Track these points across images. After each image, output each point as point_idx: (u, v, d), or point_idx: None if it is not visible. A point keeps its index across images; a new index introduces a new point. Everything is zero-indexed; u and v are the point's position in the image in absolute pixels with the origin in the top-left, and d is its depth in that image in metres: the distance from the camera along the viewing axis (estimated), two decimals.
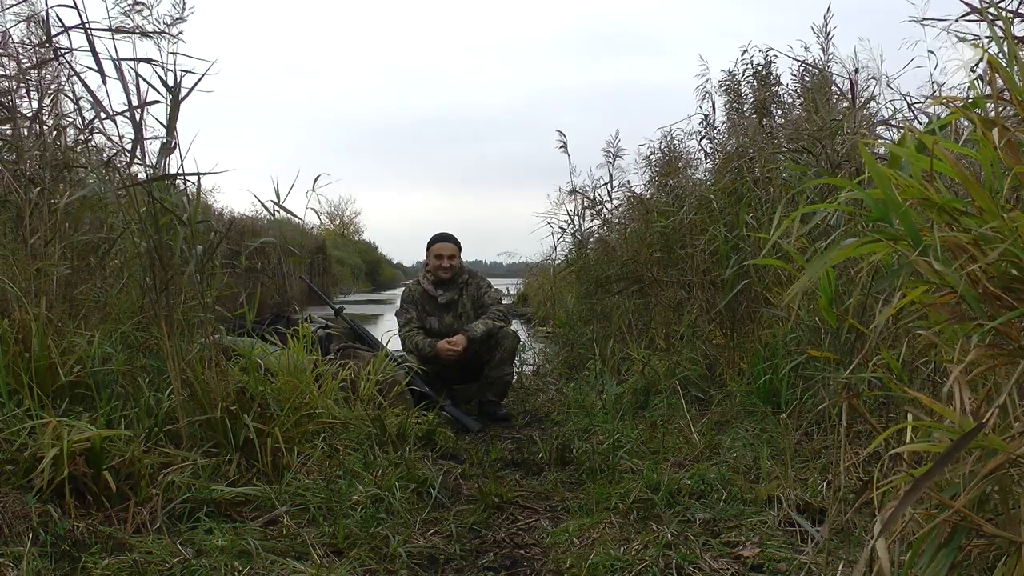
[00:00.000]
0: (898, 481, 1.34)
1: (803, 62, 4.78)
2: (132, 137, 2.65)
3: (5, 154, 3.24)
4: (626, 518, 2.36)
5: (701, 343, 4.23)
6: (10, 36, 3.37)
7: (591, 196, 6.35)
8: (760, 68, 5.61)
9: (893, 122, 3.41)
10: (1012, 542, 1.16)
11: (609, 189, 6.21)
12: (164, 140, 2.69)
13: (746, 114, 5.42)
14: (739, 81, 5.63)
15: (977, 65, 1.87)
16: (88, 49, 2.52)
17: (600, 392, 4.28)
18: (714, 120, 5.50)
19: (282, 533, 2.20)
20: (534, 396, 4.90)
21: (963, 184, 1.31)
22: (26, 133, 3.32)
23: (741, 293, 3.82)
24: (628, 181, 6.21)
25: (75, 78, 3.04)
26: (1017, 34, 1.90)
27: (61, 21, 2.61)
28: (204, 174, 2.79)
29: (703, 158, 5.55)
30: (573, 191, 6.49)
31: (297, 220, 3.89)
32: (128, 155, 2.71)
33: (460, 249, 4.57)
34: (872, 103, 4.00)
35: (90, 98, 2.79)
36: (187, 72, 2.64)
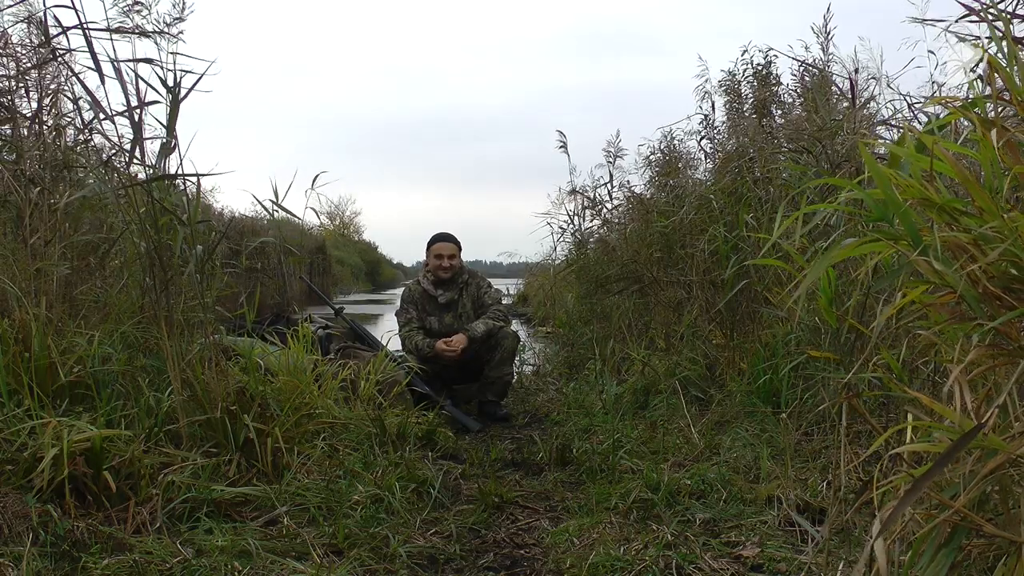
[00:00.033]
0: (898, 481, 1.34)
1: (803, 62, 4.78)
2: (131, 137, 2.65)
3: (5, 154, 3.24)
4: (626, 518, 2.36)
5: (701, 343, 4.23)
6: (9, 37, 3.36)
7: (591, 196, 6.36)
8: (760, 68, 5.62)
9: (893, 122, 3.41)
10: (1012, 542, 1.16)
11: (609, 189, 6.22)
12: (164, 140, 2.69)
13: (746, 114, 5.42)
14: (739, 81, 5.63)
15: (977, 65, 1.87)
16: (87, 50, 2.52)
17: (600, 392, 4.28)
18: (714, 120, 5.51)
19: (282, 533, 2.20)
20: (534, 396, 4.90)
21: (963, 184, 1.31)
22: (26, 133, 3.32)
23: (741, 293, 3.82)
24: (628, 181, 6.22)
25: (74, 78, 3.04)
26: (1016, 35, 1.90)
27: (59, 22, 2.61)
28: (204, 175, 2.79)
29: (703, 158, 5.55)
30: (573, 191, 6.49)
31: (296, 220, 3.89)
32: (127, 155, 2.71)
33: (460, 249, 4.57)
34: (872, 103, 4.00)
35: (89, 99, 2.79)
36: (187, 72, 2.64)
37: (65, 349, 2.69)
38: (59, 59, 3.17)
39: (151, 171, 2.69)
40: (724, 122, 5.53)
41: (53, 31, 2.64)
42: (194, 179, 2.82)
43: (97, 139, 3.44)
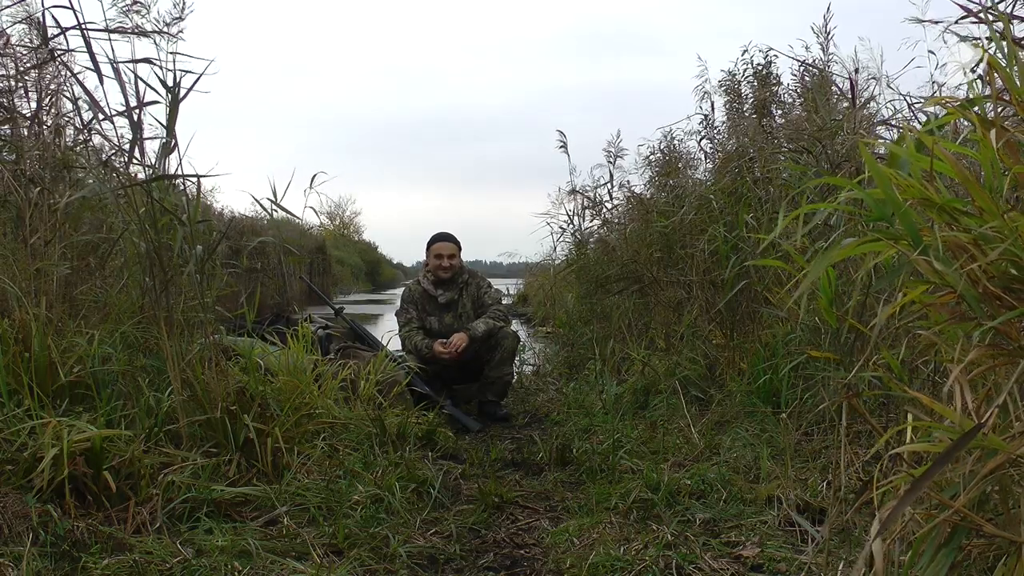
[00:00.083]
0: (898, 481, 1.34)
1: (803, 62, 4.78)
2: (131, 137, 2.65)
3: (5, 154, 3.24)
4: (626, 518, 2.36)
5: (701, 343, 4.23)
6: (8, 37, 3.36)
7: (591, 196, 6.35)
8: (760, 68, 5.61)
9: (893, 122, 3.41)
10: (1012, 542, 1.16)
11: (610, 189, 6.22)
12: (163, 140, 2.69)
13: (746, 114, 5.42)
14: (739, 81, 5.62)
15: (977, 65, 1.87)
16: (85, 50, 2.52)
17: (600, 392, 4.28)
18: (714, 120, 5.51)
19: (282, 533, 2.20)
20: (534, 396, 4.90)
21: (963, 184, 1.31)
22: (26, 133, 3.32)
23: (741, 293, 3.82)
24: (628, 181, 6.22)
25: (74, 79, 3.04)
26: (1016, 35, 1.90)
27: (57, 22, 2.61)
28: (203, 176, 2.79)
29: (703, 158, 5.55)
30: (573, 191, 6.49)
31: (296, 220, 3.90)
32: (126, 155, 2.71)
33: (460, 249, 4.57)
34: (872, 103, 4.00)
35: (87, 99, 2.79)
36: (186, 72, 2.64)
37: (65, 349, 2.70)
38: (58, 60, 3.16)
39: (151, 171, 2.69)
40: (724, 122, 5.53)
41: (51, 32, 2.64)
42: (194, 179, 2.83)
43: (96, 139, 3.45)
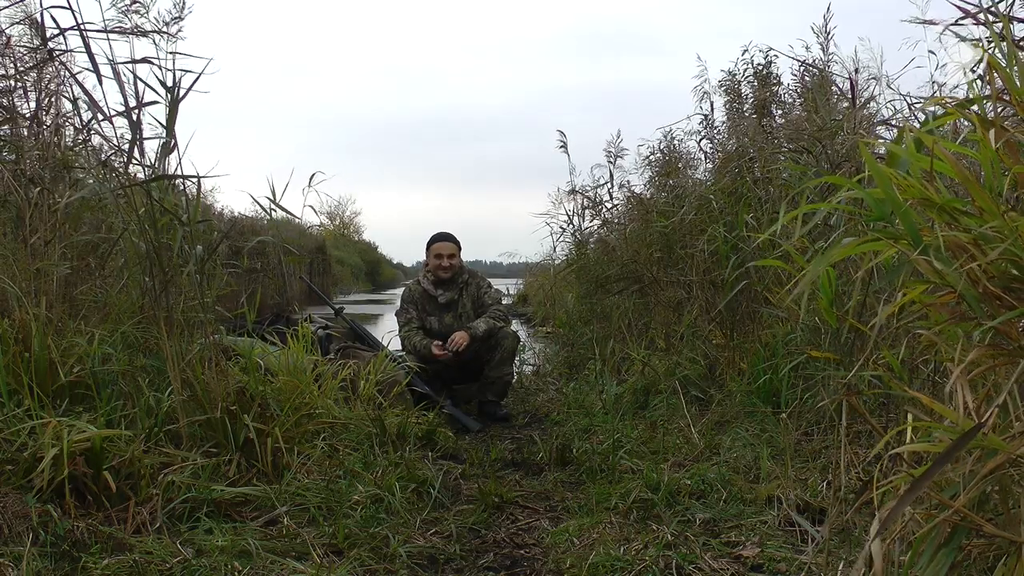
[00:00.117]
0: (898, 481, 1.34)
1: (803, 62, 4.78)
2: (130, 137, 2.65)
3: (5, 154, 3.24)
4: (626, 518, 2.36)
5: (701, 343, 4.23)
6: (8, 38, 3.36)
7: (591, 196, 6.35)
8: (760, 68, 5.61)
9: (893, 122, 3.41)
10: (1012, 542, 1.16)
11: (610, 189, 6.22)
12: (163, 140, 2.69)
13: (746, 114, 5.42)
14: (739, 81, 5.63)
15: (977, 65, 1.87)
16: (84, 50, 2.52)
17: (600, 392, 4.28)
18: (714, 120, 5.51)
19: (282, 533, 2.20)
20: (534, 396, 4.90)
21: (963, 184, 1.31)
22: (25, 133, 3.32)
23: (741, 293, 3.82)
24: (628, 181, 6.22)
25: (72, 79, 3.04)
26: (1016, 35, 1.90)
27: (56, 23, 2.61)
28: (202, 177, 2.79)
29: (703, 158, 5.55)
30: (573, 191, 6.49)
31: (295, 219, 3.90)
32: (126, 156, 2.71)
33: (460, 249, 4.57)
34: (872, 103, 4.00)
35: (86, 99, 2.79)
36: (186, 72, 2.64)
37: (65, 349, 2.69)
38: (57, 60, 3.16)
39: (150, 171, 2.69)
40: (724, 122, 5.53)
41: (50, 32, 2.64)
42: (194, 179, 2.83)
43: (96, 139, 3.45)
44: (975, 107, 1.54)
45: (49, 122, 3.40)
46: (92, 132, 3.34)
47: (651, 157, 5.86)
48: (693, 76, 5.56)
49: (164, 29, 2.73)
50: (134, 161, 2.69)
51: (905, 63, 3.36)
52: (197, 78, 2.62)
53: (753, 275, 3.68)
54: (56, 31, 2.60)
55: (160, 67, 2.63)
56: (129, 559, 1.93)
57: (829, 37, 4.56)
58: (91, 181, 3.28)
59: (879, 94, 3.99)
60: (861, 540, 1.85)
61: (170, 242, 2.67)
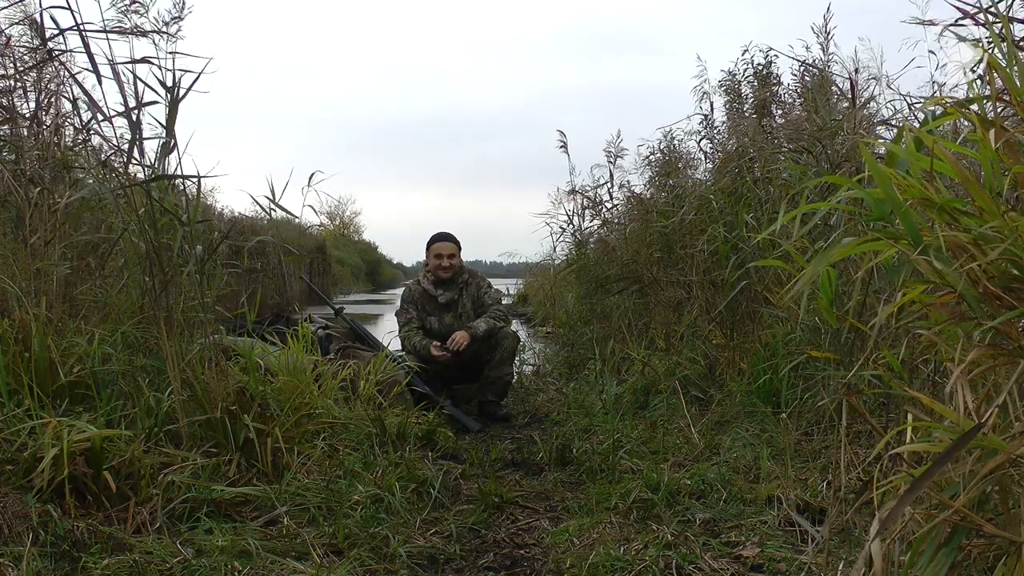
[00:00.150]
0: (898, 481, 1.34)
1: (803, 62, 4.78)
2: (130, 137, 2.65)
3: (5, 154, 3.24)
4: (626, 518, 2.36)
5: (701, 343, 4.23)
6: (8, 38, 3.36)
7: (591, 196, 6.35)
8: (760, 68, 5.62)
9: (893, 122, 3.41)
10: (1012, 542, 1.16)
11: (610, 189, 6.22)
12: (163, 140, 2.69)
13: (746, 114, 5.42)
14: (739, 81, 5.63)
15: (977, 66, 1.87)
16: (83, 51, 2.52)
17: (600, 392, 4.28)
18: (714, 120, 5.51)
19: (282, 533, 2.20)
20: (534, 396, 4.90)
21: (963, 184, 1.31)
22: (25, 133, 3.32)
23: (741, 293, 3.82)
24: (628, 181, 6.22)
25: (72, 79, 3.04)
26: (1015, 35, 1.90)
27: (56, 23, 2.61)
28: (201, 177, 2.79)
29: (703, 158, 5.55)
30: (573, 191, 6.49)
31: (294, 219, 3.90)
32: (125, 156, 2.71)
33: (460, 248, 4.57)
34: (872, 103, 4.00)
35: (86, 100, 2.79)
36: (185, 72, 2.64)
37: (65, 349, 2.69)
38: (56, 60, 3.16)
39: (150, 171, 2.69)
40: (724, 122, 5.53)
41: (49, 32, 2.63)
42: (194, 179, 2.83)
43: (96, 139, 3.45)
44: (975, 107, 1.54)
45: (49, 122, 3.40)
46: (92, 132, 3.34)
47: (651, 157, 5.87)
48: (693, 76, 5.56)
49: (164, 29, 2.73)
50: (134, 161, 2.68)
51: (905, 63, 3.36)
52: (197, 78, 2.63)
53: (753, 275, 3.68)
54: (55, 31, 2.60)
55: (160, 67, 2.63)
56: (129, 559, 1.93)
57: (829, 37, 4.56)
58: (91, 181, 3.28)
59: (879, 94, 3.99)
60: (861, 540, 1.85)
61: (170, 242, 2.67)
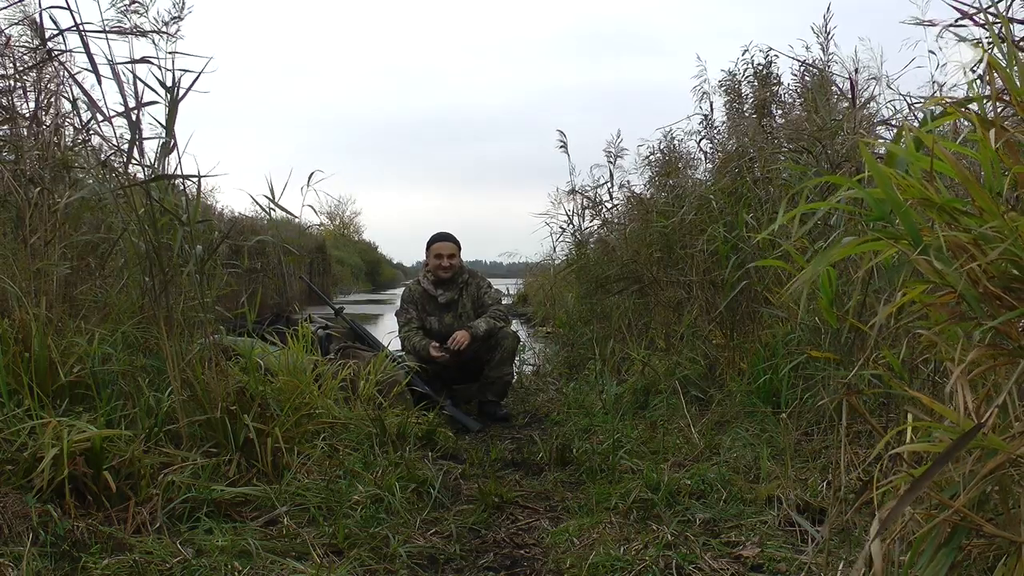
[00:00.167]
0: (898, 481, 1.34)
1: (803, 62, 4.78)
2: (130, 137, 2.65)
3: (5, 154, 3.24)
4: (626, 518, 2.36)
5: (701, 343, 4.23)
6: (8, 38, 3.36)
7: (591, 196, 6.35)
8: (760, 68, 5.61)
9: (893, 122, 3.41)
10: (1012, 542, 1.16)
11: (610, 189, 6.22)
12: (163, 140, 2.69)
13: (746, 114, 5.42)
14: (739, 81, 5.63)
15: (977, 65, 1.87)
16: (83, 51, 2.52)
17: (600, 392, 4.28)
18: (713, 120, 5.51)
19: (282, 533, 2.20)
20: (534, 396, 4.90)
21: (963, 184, 1.31)
22: (25, 133, 3.32)
23: (741, 293, 3.82)
24: (628, 181, 6.22)
25: (72, 79, 3.04)
26: (1015, 35, 1.90)
27: (56, 23, 2.61)
28: (200, 176, 2.79)
29: (703, 158, 5.56)
30: (573, 191, 6.49)
31: (293, 218, 3.90)
32: (125, 156, 2.71)
33: (460, 248, 4.57)
34: (872, 103, 4.00)
35: (86, 100, 2.79)
36: (185, 71, 2.64)
37: (65, 349, 2.69)
38: (56, 60, 3.16)
39: (150, 171, 2.69)
40: (724, 122, 5.53)
41: (49, 32, 2.64)
42: (194, 179, 2.83)
43: (96, 139, 3.45)
44: (974, 105, 1.54)
45: (49, 122, 3.40)
46: (92, 132, 3.34)
47: (651, 157, 5.87)
48: (693, 76, 5.56)
49: (163, 29, 2.73)
50: (134, 161, 2.68)
51: (906, 63, 3.36)
52: (197, 78, 2.63)
53: (753, 275, 3.68)
54: (55, 31, 2.60)
55: (159, 67, 2.63)
56: (129, 559, 1.93)
57: (829, 37, 4.56)
58: (91, 181, 3.28)
59: (879, 94, 3.99)
60: (861, 540, 1.85)
61: (170, 242, 2.67)
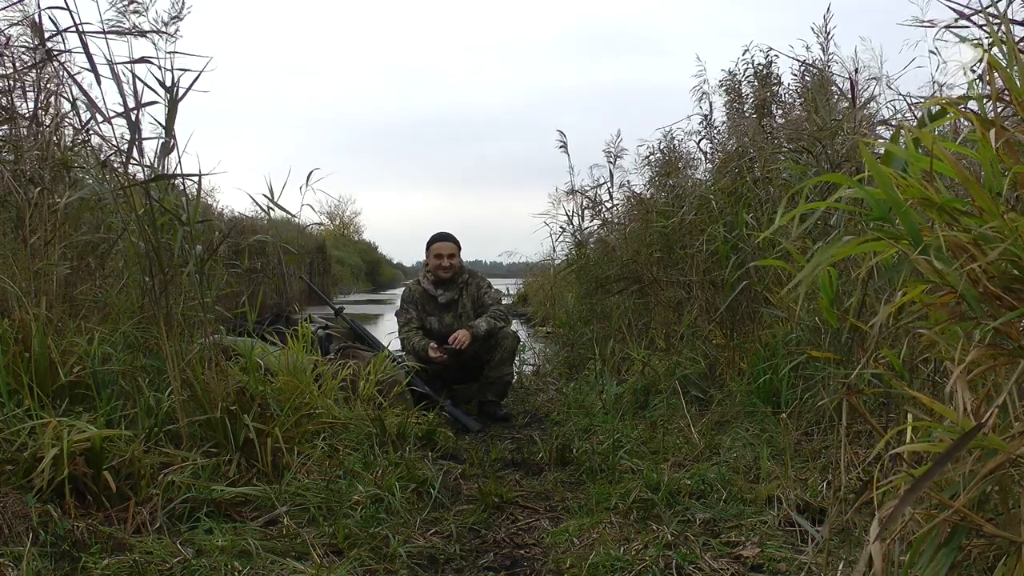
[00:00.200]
0: (898, 481, 1.34)
1: (803, 62, 4.78)
2: (129, 137, 2.65)
3: (5, 154, 3.24)
4: (626, 518, 2.36)
5: (701, 343, 4.23)
6: (6, 38, 3.36)
7: (591, 196, 6.36)
8: (761, 68, 5.62)
9: (893, 122, 3.41)
10: (1012, 542, 1.16)
11: (610, 189, 6.22)
12: (163, 140, 2.68)
13: (746, 114, 5.42)
14: (739, 81, 5.63)
15: (977, 65, 1.87)
16: (82, 51, 2.51)
17: (600, 392, 4.28)
18: (713, 120, 5.51)
19: (282, 533, 2.20)
20: (534, 396, 4.90)
21: (963, 184, 1.31)
22: (25, 133, 3.32)
23: (741, 293, 3.82)
24: (628, 181, 6.22)
25: (71, 79, 3.04)
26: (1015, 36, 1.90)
27: (55, 23, 2.60)
28: (200, 175, 2.79)
29: (703, 158, 5.56)
30: (573, 191, 6.49)
31: (292, 218, 3.90)
32: (124, 156, 2.71)
33: (460, 248, 4.57)
34: (872, 103, 4.00)
35: (85, 100, 2.79)
36: (184, 71, 2.64)
37: (65, 349, 2.69)
38: (55, 60, 3.16)
39: (149, 171, 2.69)
40: (724, 122, 5.53)
41: (48, 32, 2.63)
42: (194, 179, 2.83)
43: (95, 139, 3.45)
44: (973, 104, 1.54)
45: (48, 122, 3.39)
46: (91, 132, 3.34)
47: (651, 157, 5.87)
48: (693, 76, 5.56)
49: (163, 29, 2.73)
50: (133, 161, 2.68)
51: (906, 63, 3.35)
52: (196, 78, 2.63)
53: (753, 275, 3.68)
54: (54, 31, 2.60)
55: (159, 67, 2.63)
56: (129, 559, 1.93)
57: (829, 37, 4.56)
58: (91, 181, 3.28)
59: (879, 94, 3.99)
60: (861, 540, 1.85)
61: (170, 242, 2.67)
